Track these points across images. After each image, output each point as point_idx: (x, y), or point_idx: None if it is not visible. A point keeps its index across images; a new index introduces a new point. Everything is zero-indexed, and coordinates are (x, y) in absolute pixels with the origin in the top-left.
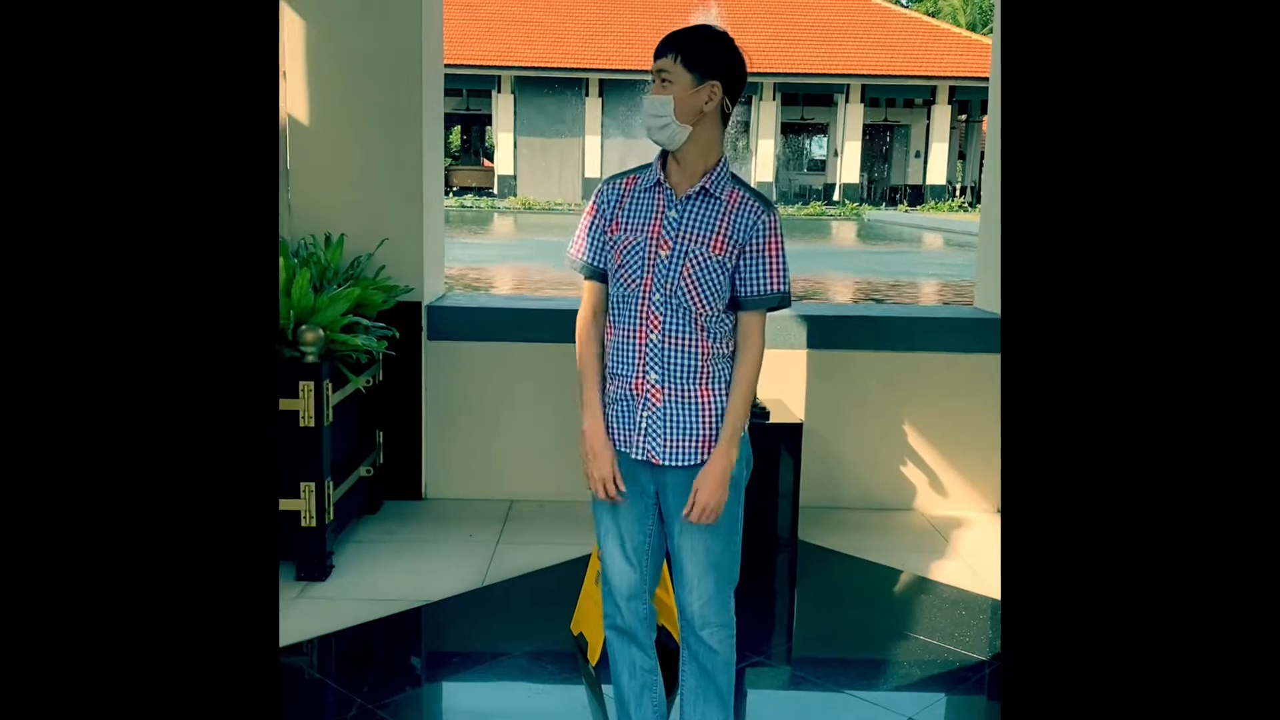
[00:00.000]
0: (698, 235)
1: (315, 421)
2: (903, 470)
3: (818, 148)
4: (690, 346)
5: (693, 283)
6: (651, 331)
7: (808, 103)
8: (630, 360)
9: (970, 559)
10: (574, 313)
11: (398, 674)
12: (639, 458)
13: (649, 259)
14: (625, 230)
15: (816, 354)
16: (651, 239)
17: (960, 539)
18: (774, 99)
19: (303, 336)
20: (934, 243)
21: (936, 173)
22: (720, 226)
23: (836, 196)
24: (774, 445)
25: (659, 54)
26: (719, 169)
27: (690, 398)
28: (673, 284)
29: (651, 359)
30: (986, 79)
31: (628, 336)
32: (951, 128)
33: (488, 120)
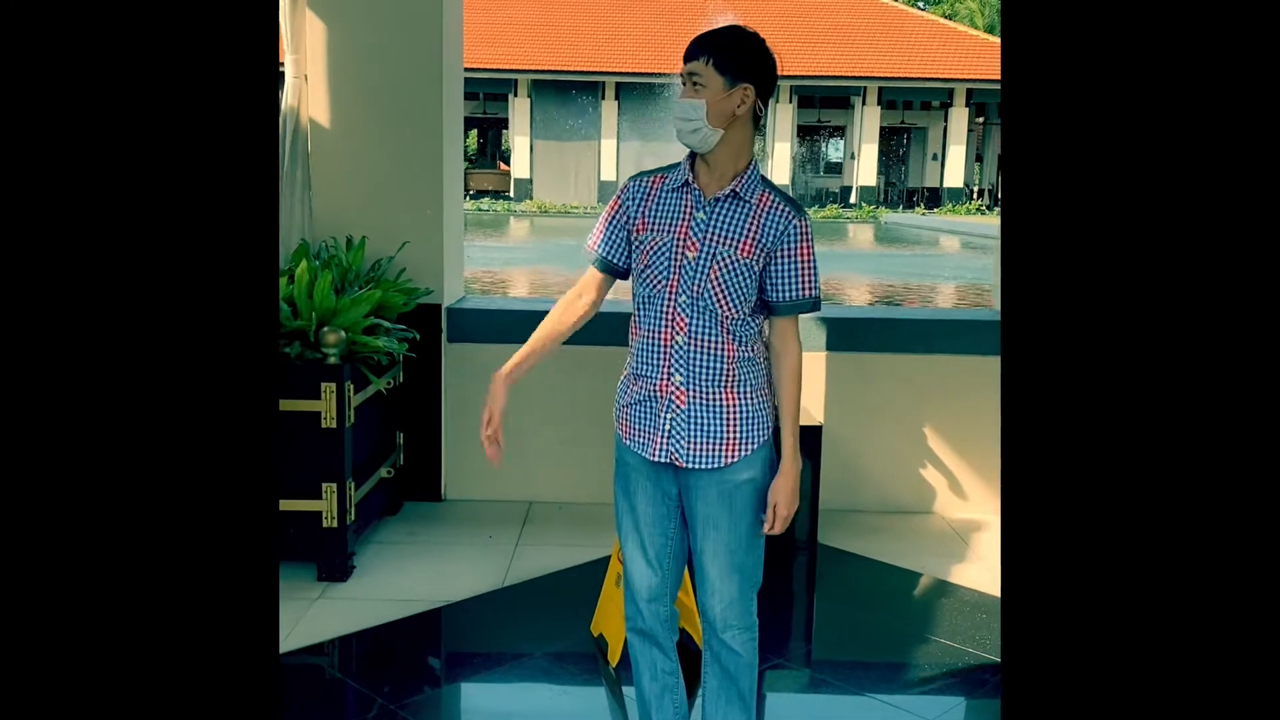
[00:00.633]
0: (726, 238)
1: (337, 423)
2: (922, 473)
3: (835, 150)
4: (716, 349)
5: (720, 285)
6: (677, 333)
7: (824, 105)
8: (655, 361)
9: (990, 562)
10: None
11: (418, 674)
12: (661, 460)
13: (675, 260)
14: (651, 230)
15: (835, 357)
16: (679, 240)
17: (980, 542)
18: (790, 101)
19: (325, 338)
20: (951, 245)
21: (954, 175)
22: (749, 230)
23: (854, 199)
24: None
25: (690, 56)
26: (749, 172)
27: (715, 400)
28: (699, 286)
29: (677, 361)
30: None
31: (653, 337)
32: (969, 130)
33: (504, 124)
